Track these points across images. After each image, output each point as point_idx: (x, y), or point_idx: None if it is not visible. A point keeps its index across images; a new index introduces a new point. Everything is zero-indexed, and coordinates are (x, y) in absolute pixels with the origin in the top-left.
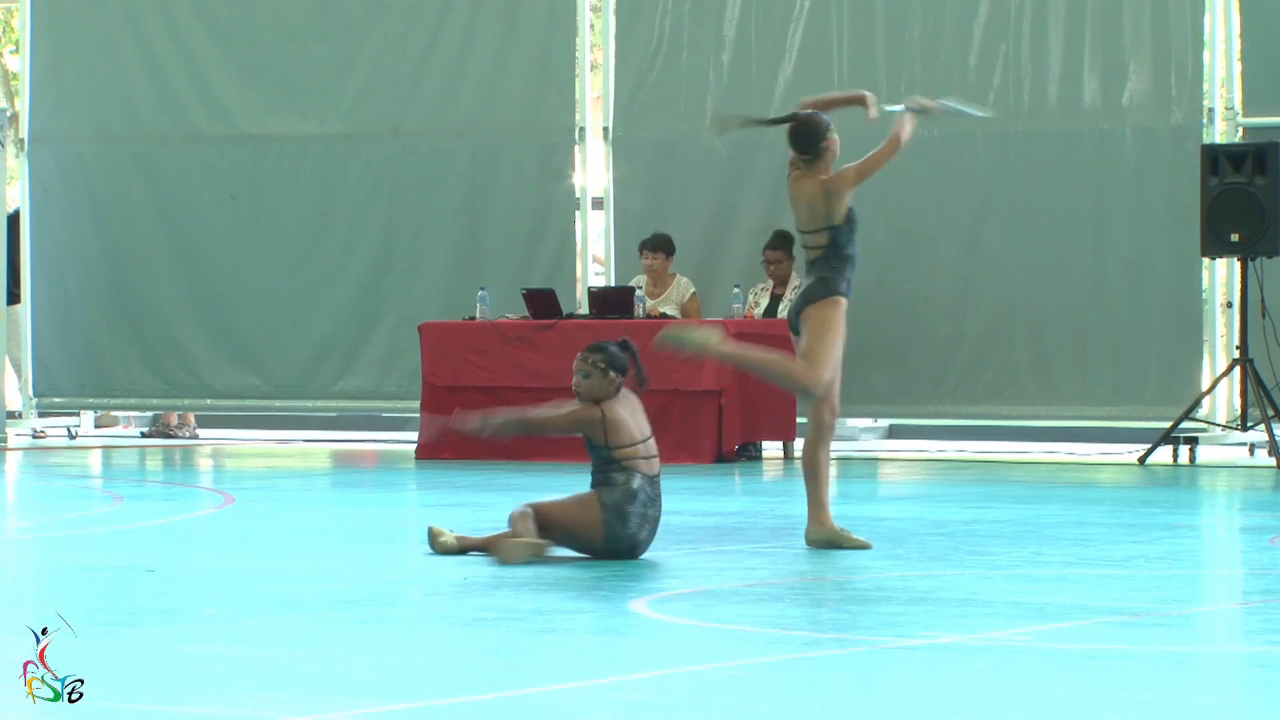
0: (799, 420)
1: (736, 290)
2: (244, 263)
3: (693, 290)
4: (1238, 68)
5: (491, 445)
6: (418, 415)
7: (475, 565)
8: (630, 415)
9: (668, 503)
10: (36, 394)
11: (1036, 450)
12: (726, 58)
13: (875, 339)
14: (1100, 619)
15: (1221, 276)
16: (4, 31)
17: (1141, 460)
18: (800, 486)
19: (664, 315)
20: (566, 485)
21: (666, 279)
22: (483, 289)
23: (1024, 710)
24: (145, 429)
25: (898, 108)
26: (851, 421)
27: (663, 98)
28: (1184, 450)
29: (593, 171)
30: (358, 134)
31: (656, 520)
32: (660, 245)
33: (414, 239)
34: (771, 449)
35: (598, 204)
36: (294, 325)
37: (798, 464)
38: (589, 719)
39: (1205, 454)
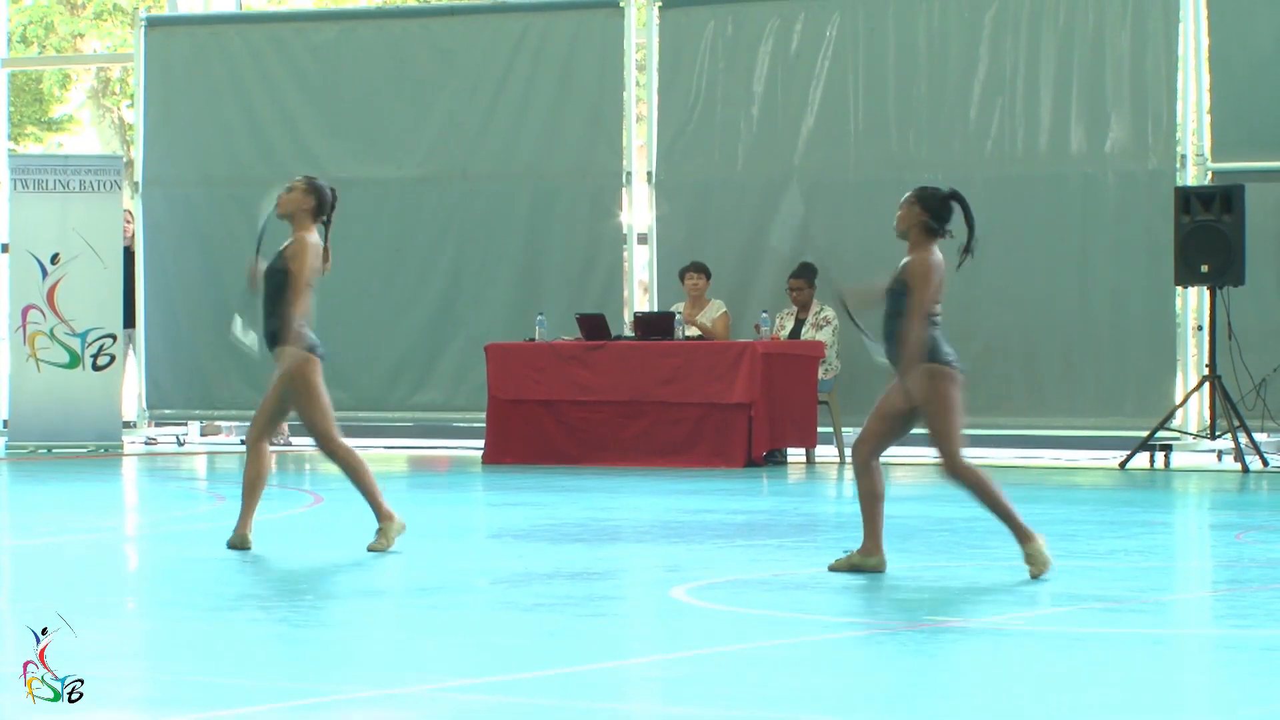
0: (819, 430)
1: (765, 315)
2: (331, 291)
3: (724, 310)
4: (1207, 119)
5: (549, 450)
6: (484, 424)
7: (534, 558)
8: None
9: (704, 502)
10: (149, 406)
11: (1029, 456)
12: (756, 111)
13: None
14: (1085, 605)
15: (1193, 303)
16: (121, 88)
17: (1122, 465)
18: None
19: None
20: (620, 487)
21: (704, 300)
22: (541, 314)
23: (1018, 684)
24: (244, 437)
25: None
26: None
27: (700, 145)
28: (1159, 456)
29: (638, 210)
30: (431, 178)
31: None
32: (701, 268)
33: (480, 269)
34: (795, 455)
35: (642, 239)
36: (375, 345)
37: (819, 468)
38: (635, 693)
39: (1178, 460)
